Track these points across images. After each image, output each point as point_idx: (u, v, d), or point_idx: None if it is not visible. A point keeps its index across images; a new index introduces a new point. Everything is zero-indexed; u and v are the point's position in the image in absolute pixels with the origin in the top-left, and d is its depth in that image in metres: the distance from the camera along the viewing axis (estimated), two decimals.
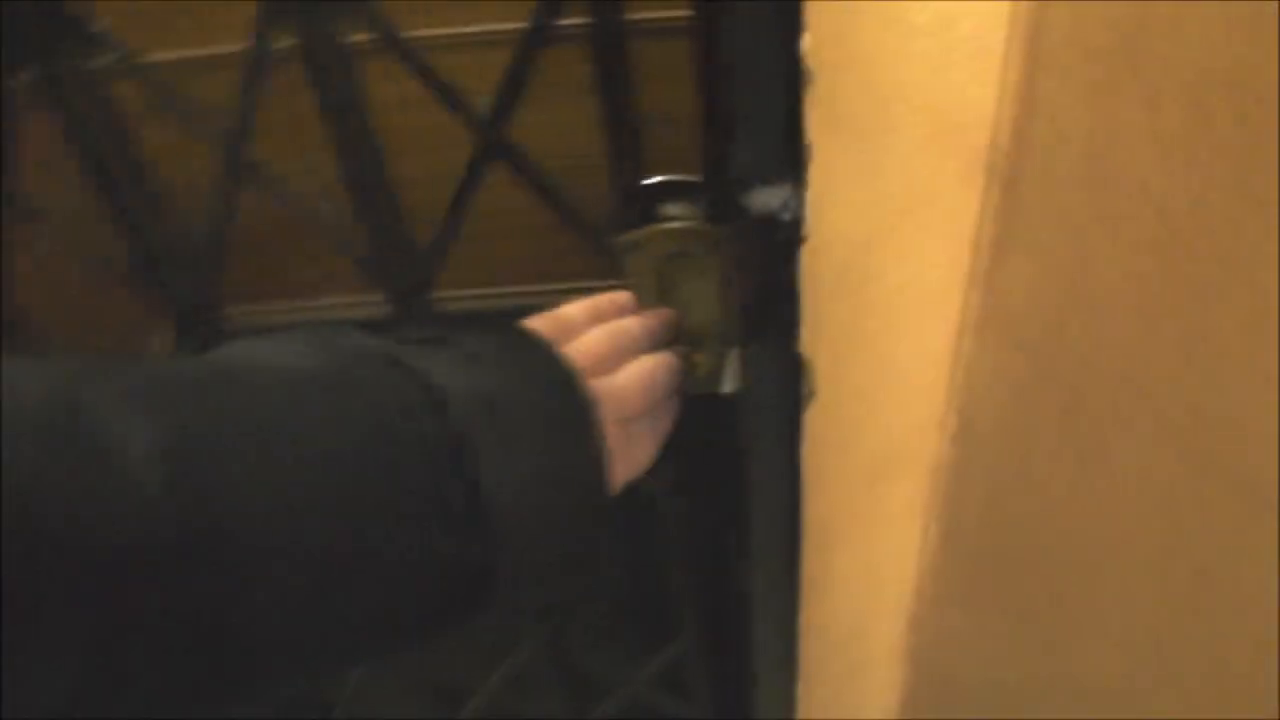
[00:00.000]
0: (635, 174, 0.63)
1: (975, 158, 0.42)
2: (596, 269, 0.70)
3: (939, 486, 0.52)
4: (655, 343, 0.59)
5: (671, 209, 0.66)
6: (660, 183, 0.67)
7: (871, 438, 0.51)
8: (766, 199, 0.44)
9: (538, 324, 0.54)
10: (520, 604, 0.48)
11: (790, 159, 0.43)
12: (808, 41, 0.39)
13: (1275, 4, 0.30)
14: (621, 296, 0.62)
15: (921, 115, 0.41)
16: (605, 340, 0.55)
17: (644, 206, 0.67)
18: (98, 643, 0.33)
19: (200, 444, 0.37)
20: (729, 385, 0.69)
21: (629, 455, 0.53)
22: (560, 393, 0.50)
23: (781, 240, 0.45)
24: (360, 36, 0.69)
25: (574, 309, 0.57)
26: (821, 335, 0.47)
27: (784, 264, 0.45)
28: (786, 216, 0.44)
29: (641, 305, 0.62)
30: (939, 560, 0.56)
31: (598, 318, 0.57)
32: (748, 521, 0.55)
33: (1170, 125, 0.36)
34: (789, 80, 0.41)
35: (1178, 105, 0.35)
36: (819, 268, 0.45)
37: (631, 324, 0.58)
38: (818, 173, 0.42)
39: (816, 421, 0.50)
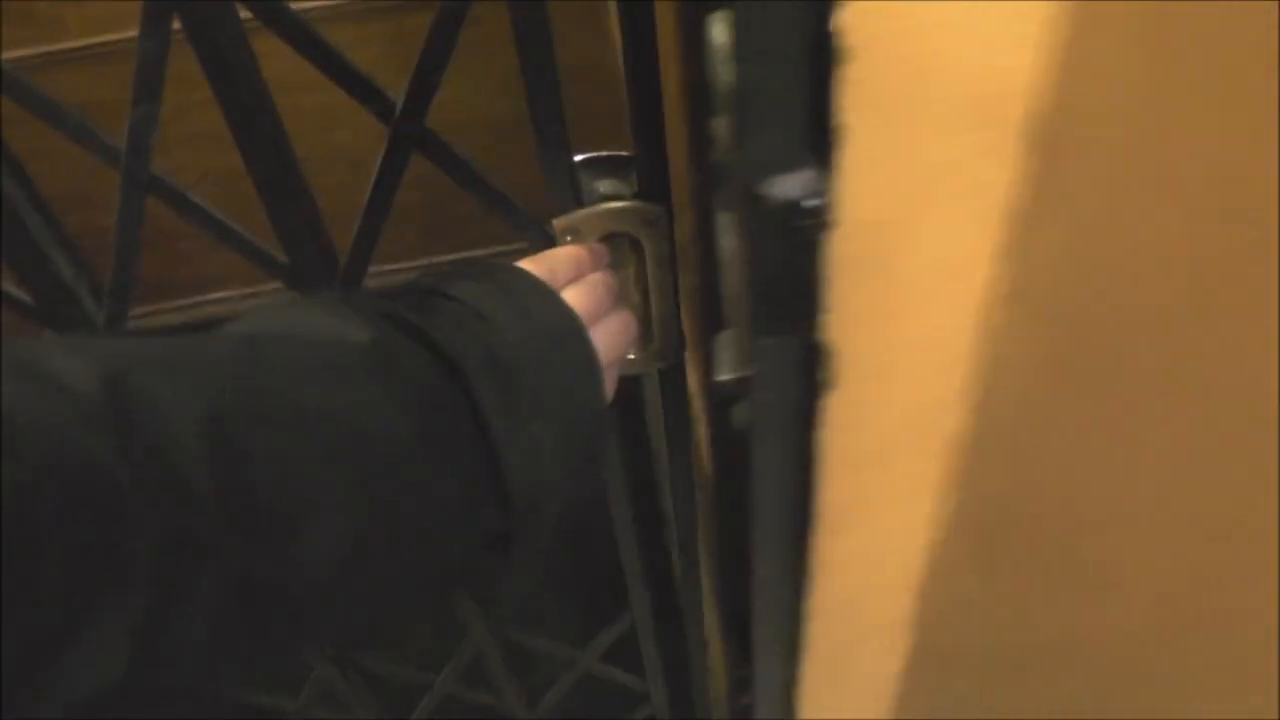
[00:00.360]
0: (562, 144, 0.59)
1: (1011, 128, 0.39)
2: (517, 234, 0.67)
3: (958, 459, 0.50)
4: (619, 301, 0.59)
5: (605, 186, 0.63)
6: (593, 158, 0.64)
7: (889, 416, 0.49)
8: (787, 186, 0.41)
9: (533, 268, 0.54)
10: (535, 560, 0.50)
11: (817, 143, 0.39)
12: (844, 15, 0.36)
13: None
14: (601, 249, 0.61)
15: (957, 85, 0.38)
16: (594, 291, 0.55)
17: (577, 183, 0.64)
18: (151, 614, 0.34)
19: (242, 424, 0.37)
20: (665, 361, 0.67)
21: None
22: (570, 345, 0.51)
23: (803, 228, 0.41)
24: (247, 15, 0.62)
25: (561, 255, 0.57)
26: (845, 316, 0.45)
27: (806, 252, 0.42)
28: (812, 203, 0.41)
29: None
30: (953, 530, 0.54)
31: (581, 268, 0.57)
32: (756, 507, 0.53)
33: (1230, 87, 0.34)
34: (818, 57, 0.37)
35: (1240, 66, 0.33)
36: (844, 248, 0.42)
37: (609, 277, 0.58)
38: (848, 151, 0.39)
39: (835, 402, 0.48)
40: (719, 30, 0.50)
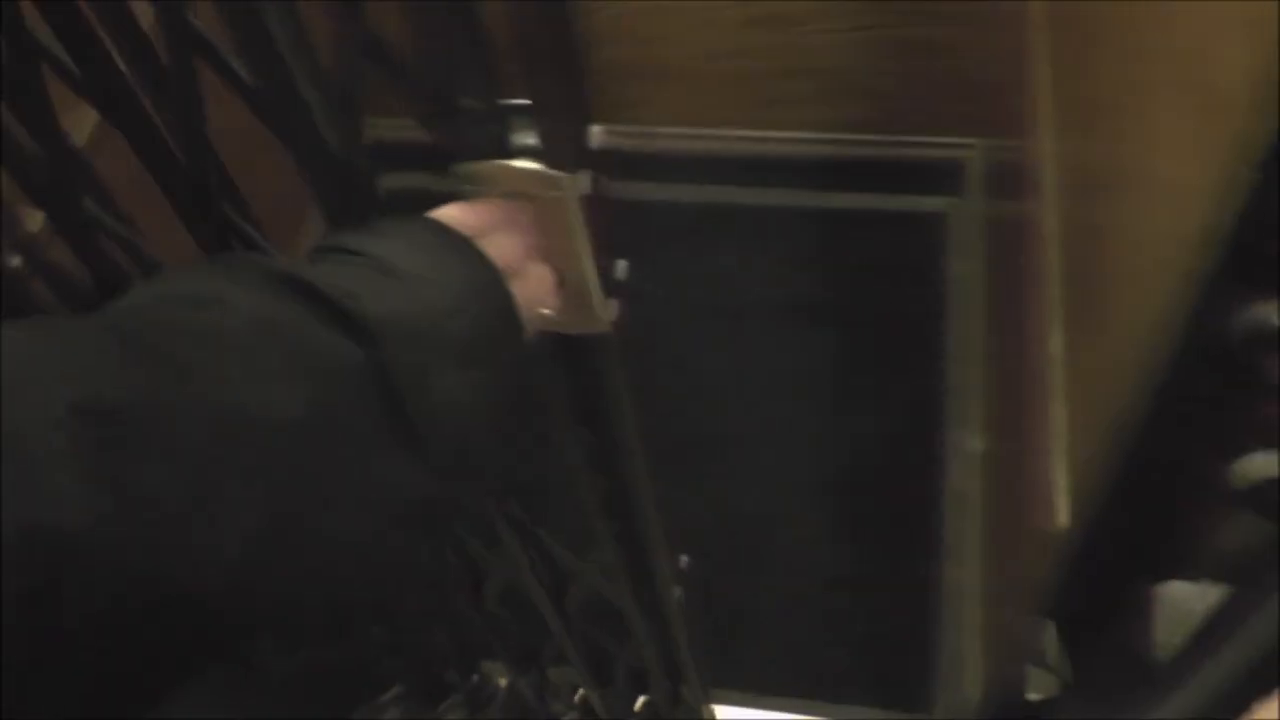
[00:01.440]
0: (482, 84, 0.54)
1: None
2: None
3: None
4: (541, 254, 0.58)
5: (523, 139, 0.57)
6: (514, 105, 0.57)
7: None
8: None
9: (453, 215, 0.53)
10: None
11: None
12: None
13: None
14: (526, 206, 0.58)
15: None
16: (511, 242, 0.54)
17: (491, 129, 0.57)
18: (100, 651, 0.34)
19: (115, 412, 0.35)
20: (589, 326, 0.64)
21: None
22: (488, 295, 0.50)
23: None
24: None
25: (481, 208, 0.56)
26: None
27: None
28: None
29: None
30: None
31: (498, 219, 0.55)
32: None
33: None
34: None
35: None
36: None
37: (527, 229, 0.57)
38: None
39: None
40: None
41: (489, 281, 0.51)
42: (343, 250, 0.48)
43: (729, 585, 1.61)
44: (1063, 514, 0.82)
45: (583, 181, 0.56)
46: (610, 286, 0.62)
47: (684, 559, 0.98)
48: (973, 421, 1.59)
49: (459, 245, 0.51)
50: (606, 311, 0.63)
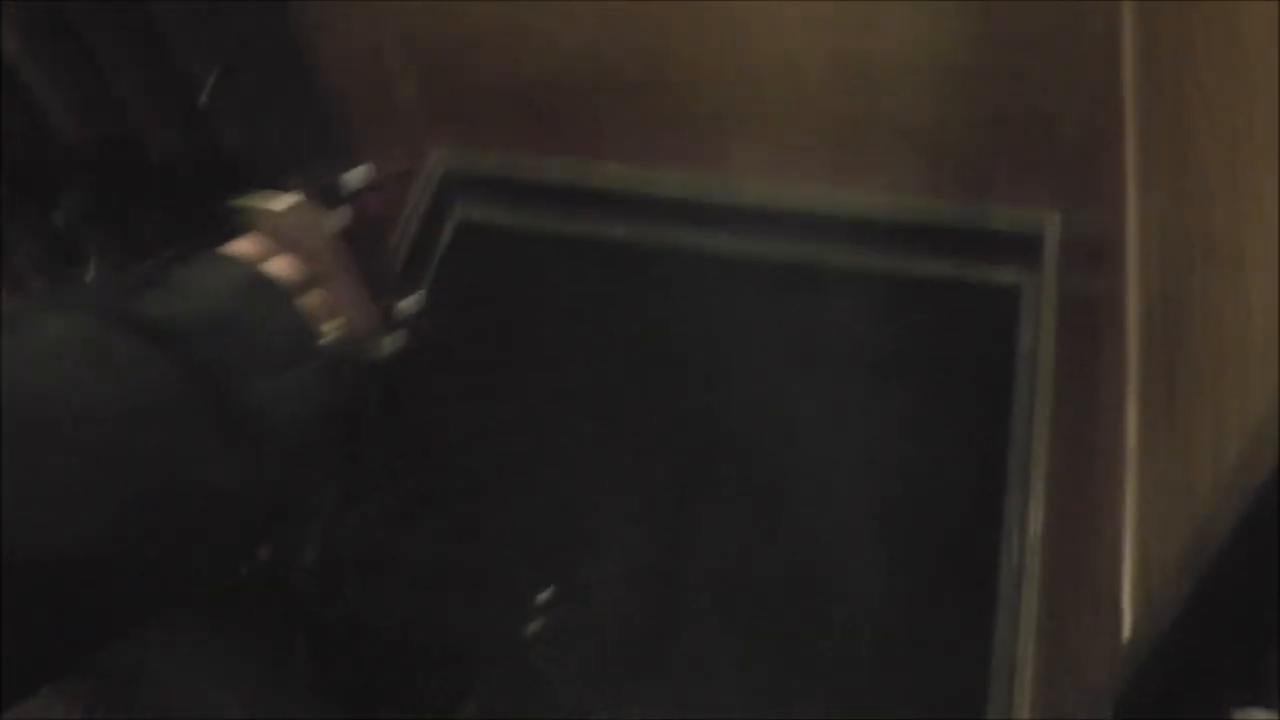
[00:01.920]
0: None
1: None
2: None
3: None
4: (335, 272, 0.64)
5: (294, 180, 0.65)
6: (282, 148, 0.70)
7: None
8: None
9: (239, 245, 0.60)
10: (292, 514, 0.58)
11: None
12: None
13: None
14: (297, 238, 0.64)
15: None
16: (294, 269, 0.60)
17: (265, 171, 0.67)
18: None
19: None
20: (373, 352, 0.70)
21: None
22: (277, 309, 0.56)
23: None
24: None
25: (263, 238, 0.61)
26: None
27: None
28: None
29: None
30: None
31: (273, 250, 0.61)
32: None
33: None
34: None
35: None
36: None
37: (309, 261, 0.62)
38: None
39: None
40: None
41: (274, 297, 0.56)
42: (142, 278, 0.52)
43: (781, 635, 1.60)
44: (1129, 613, 0.78)
45: (335, 217, 0.63)
46: (395, 316, 0.69)
47: (548, 590, 1.06)
48: (1035, 498, 1.55)
49: (241, 266, 0.57)
50: (388, 337, 0.69)
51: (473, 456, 1.77)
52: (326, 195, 0.63)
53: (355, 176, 0.63)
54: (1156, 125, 1.01)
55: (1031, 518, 1.52)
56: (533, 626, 0.94)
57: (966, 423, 1.74)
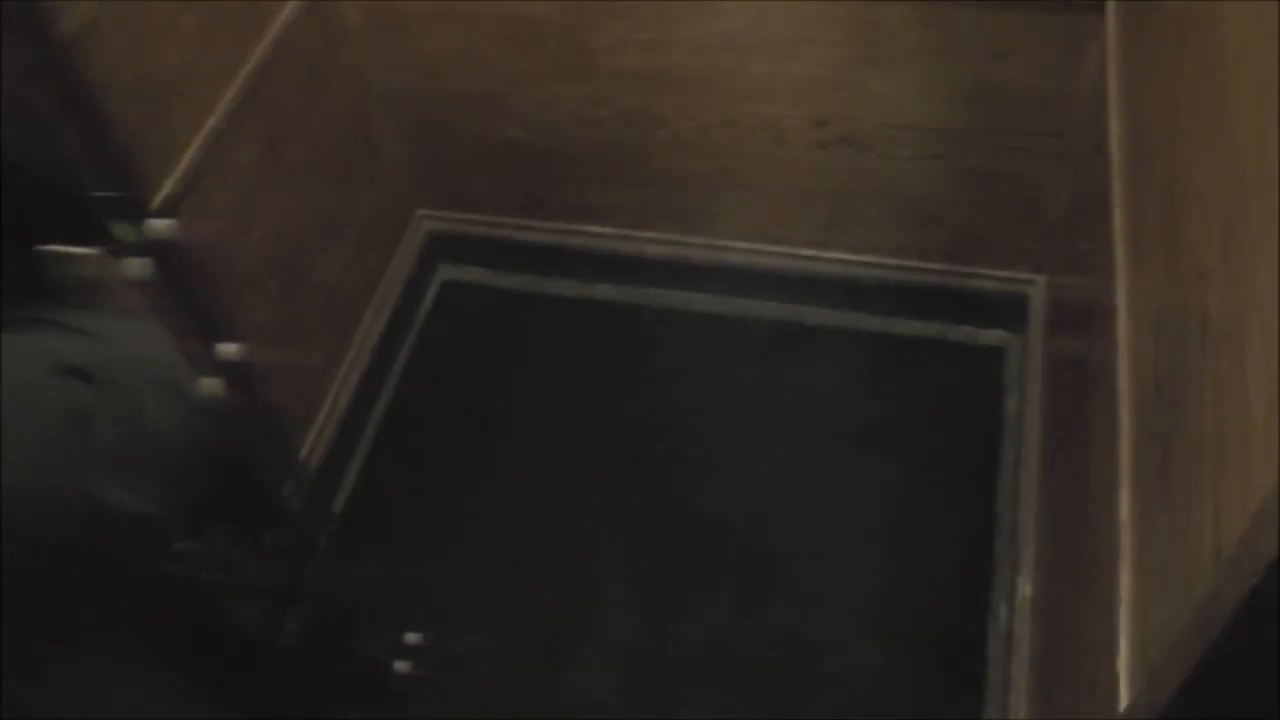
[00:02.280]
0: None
1: None
2: None
3: None
4: None
5: (118, 231, 0.66)
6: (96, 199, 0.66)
7: None
8: None
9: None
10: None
11: None
12: None
13: None
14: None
15: None
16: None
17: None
18: None
19: None
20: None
21: None
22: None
23: None
24: None
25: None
26: None
27: None
28: None
29: None
30: None
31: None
32: None
33: None
34: None
35: None
36: None
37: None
38: None
39: None
40: None
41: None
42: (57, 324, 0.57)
43: (770, 714, 1.57)
44: (1126, 686, 0.77)
45: (138, 267, 0.65)
46: (211, 363, 0.72)
47: (413, 636, 1.09)
48: (1023, 565, 1.53)
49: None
50: (205, 385, 0.72)
51: (453, 521, 1.75)
52: (126, 245, 0.66)
53: (158, 227, 0.65)
54: (1146, 195, 1.01)
55: (1019, 590, 1.51)
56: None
57: (953, 492, 1.72)
